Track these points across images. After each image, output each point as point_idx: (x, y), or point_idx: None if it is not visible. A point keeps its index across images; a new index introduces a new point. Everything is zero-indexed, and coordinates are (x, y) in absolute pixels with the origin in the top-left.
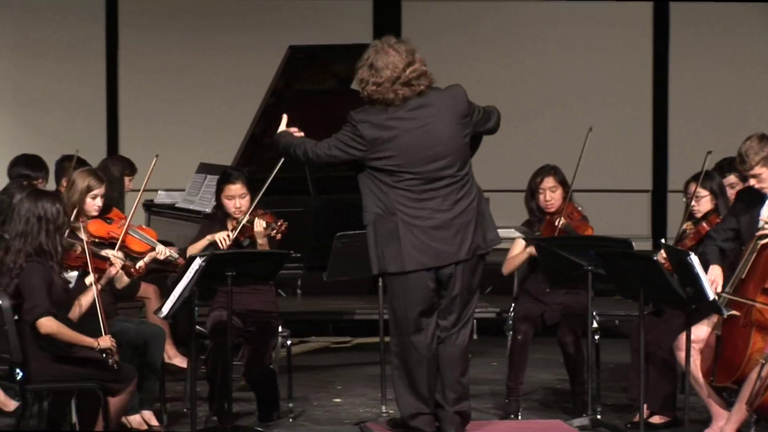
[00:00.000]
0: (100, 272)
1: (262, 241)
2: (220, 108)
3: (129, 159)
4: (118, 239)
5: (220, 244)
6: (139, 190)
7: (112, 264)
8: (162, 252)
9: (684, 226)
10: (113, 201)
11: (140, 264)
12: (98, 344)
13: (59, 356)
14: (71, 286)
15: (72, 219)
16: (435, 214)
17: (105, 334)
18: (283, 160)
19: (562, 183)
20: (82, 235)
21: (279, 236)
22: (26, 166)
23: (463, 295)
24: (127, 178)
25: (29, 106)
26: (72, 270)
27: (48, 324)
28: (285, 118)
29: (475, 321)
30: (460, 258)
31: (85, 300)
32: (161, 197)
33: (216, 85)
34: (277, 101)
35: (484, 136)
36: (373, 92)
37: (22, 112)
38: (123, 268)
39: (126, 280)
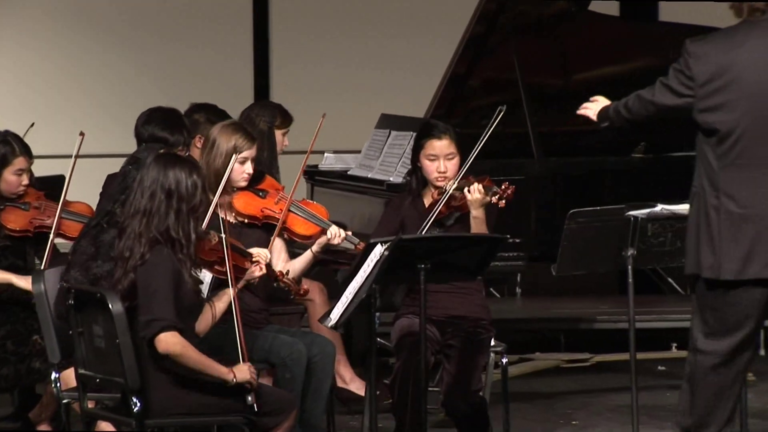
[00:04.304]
0: (239, 272)
1: (477, 213)
2: (403, 44)
3: (280, 105)
4: (275, 219)
5: None
6: (299, 152)
7: (254, 262)
8: (336, 235)
9: None
10: (264, 166)
11: (302, 285)
12: (234, 377)
13: (190, 379)
14: (204, 289)
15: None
16: None
17: (243, 360)
18: (501, 109)
19: None
20: (225, 215)
21: (503, 203)
22: (163, 126)
23: None
24: (278, 132)
25: (158, 41)
26: (204, 267)
27: (170, 341)
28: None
29: (762, 332)
30: None
31: (219, 308)
32: (329, 161)
33: (397, 15)
34: (486, 30)
35: None
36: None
37: (152, 48)
38: (269, 271)
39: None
